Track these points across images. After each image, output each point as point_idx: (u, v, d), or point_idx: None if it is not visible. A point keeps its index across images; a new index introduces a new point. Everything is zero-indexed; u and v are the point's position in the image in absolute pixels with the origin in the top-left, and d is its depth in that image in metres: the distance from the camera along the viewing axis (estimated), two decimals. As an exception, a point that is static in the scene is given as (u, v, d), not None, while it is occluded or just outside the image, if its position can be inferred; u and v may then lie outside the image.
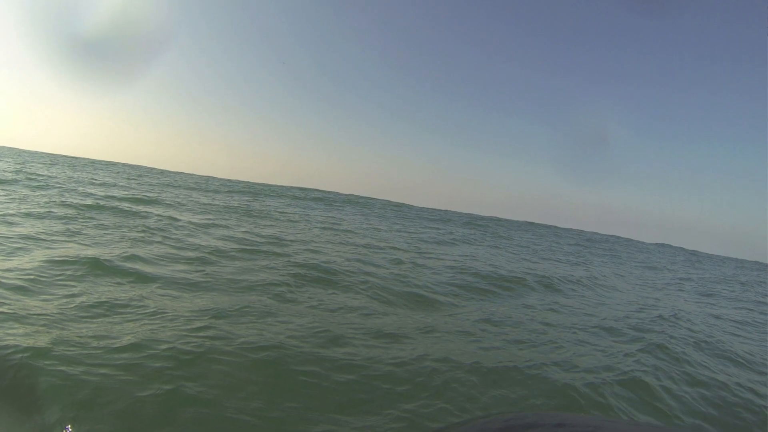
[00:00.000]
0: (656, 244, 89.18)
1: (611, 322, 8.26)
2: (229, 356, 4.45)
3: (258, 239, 12.68)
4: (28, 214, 11.42)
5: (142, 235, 10.69)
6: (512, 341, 6.32)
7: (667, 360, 6.19)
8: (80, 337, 4.48)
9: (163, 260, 8.43)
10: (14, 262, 6.86)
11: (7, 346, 4.01)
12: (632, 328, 7.97)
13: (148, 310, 5.51)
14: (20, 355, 3.89)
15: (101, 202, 15.88)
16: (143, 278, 7.01)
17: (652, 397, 4.95)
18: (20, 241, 8.38)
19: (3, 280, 5.88)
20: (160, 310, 5.54)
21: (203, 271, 8.03)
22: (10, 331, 4.37)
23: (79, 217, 12.32)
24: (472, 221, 49.97)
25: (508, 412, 4.13)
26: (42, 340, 4.23)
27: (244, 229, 14.59)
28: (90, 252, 8.10)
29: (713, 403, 5.13)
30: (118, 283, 6.63)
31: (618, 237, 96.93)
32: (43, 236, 9.10)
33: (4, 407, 3.43)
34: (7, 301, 5.20)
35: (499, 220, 77.40)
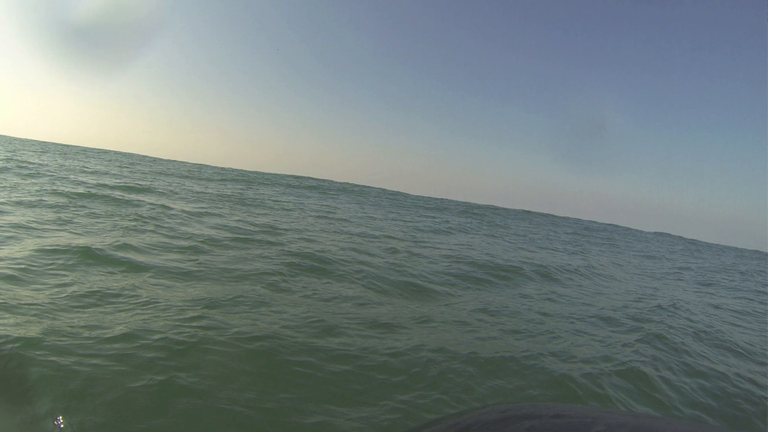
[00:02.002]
0: (655, 233, 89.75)
1: (609, 312, 8.26)
2: (222, 346, 4.42)
3: (251, 228, 12.62)
4: (18, 203, 11.33)
5: (135, 223, 10.61)
6: (509, 331, 6.30)
7: (666, 350, 6.19)
8: (72, 327, 4.45)
9: (155, 249, 8.36)
10: (5, 251, 6.80)
11: (-3, 337, 3.96)
12: (630, 318, 7.97)
13: (140, 300, 5.48)
14: (11, 346, 3.86)
15: (93, 191, 15.77)
16: (135, 267, 6.95)
17: (651, 387, 4.94)
18: (11, 229, 8.31)
19: (-7, 270, 5.81)
20: (152, 300, 5.51)
21: (196, 260, 7.97)
22: (0, 321, 4.34)
23: (70, 205, 12.22)
24: (468, 210, 50.07)
25: (505, 402, 4.10)
26: (33, 330, 4.20)
27: (237, 218, 14.51)
28: (81, 241, 8.03)
29: (712, 394, 5.13)
30: (110, 273, 6.58)
31: (616, 226, 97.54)
32: (34, 225, 9.02)
33: (-5, 398, 3.38)
34: (-3, 291, 5.13)
35: (495, 208, 77.62)
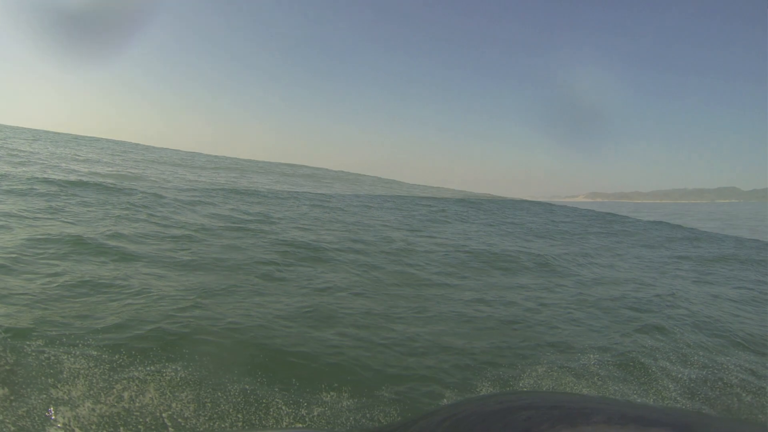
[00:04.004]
0: (653, 222, 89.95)
1: (607, 302, 8.23)
2: (215, 337, 4.45)
3: (245, 217, 12.59)
4: (9, 191, 11.27)
5: (127, 212, 10.56)
6: (506, 321, 6.30)
7: (665, 340, 6.16)
8: (63, 317, 4.45)
9: (147, 238, 8.32)
10: (-6, 241, 6.71)
11: (-12, 327, 3.95)
12: (629, 307, 7.94)
13: (132, 290, 5.47)
14: (2, 336, 3.85)
15: (85, 179, 15.64)
16: (128, 257, 6.93)
17: (649, 378, 4.93)
18: (2, 218, 8.29)
19: (-17, 259, 5.77)
20: (144, 290, 5.49)
21: (189, 249, 7.94)
22: (-9, 312, 4.30)
23: (62, 194, 12.11)
24: (465, 198, 50.08)
25: (503, 393, 4.08)
26: (24, 321, 4.20)
27: (230, 207, 14.47)
28: (73, 230, 8.00)
29: (711, 384, 5.11)
30: (102, 262, 6.55)
31: (614, 215, 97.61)
32: (25, 214, 8.96)
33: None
34: (-13, 281, 5.10)
35: (493, 197, 77.61)
